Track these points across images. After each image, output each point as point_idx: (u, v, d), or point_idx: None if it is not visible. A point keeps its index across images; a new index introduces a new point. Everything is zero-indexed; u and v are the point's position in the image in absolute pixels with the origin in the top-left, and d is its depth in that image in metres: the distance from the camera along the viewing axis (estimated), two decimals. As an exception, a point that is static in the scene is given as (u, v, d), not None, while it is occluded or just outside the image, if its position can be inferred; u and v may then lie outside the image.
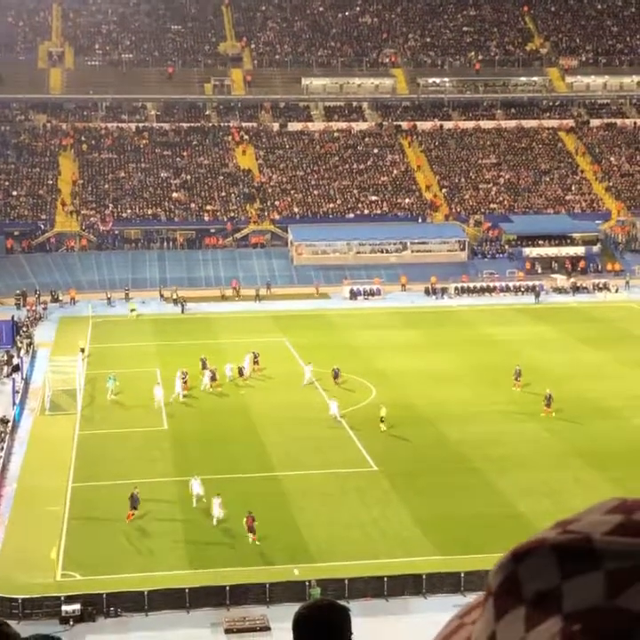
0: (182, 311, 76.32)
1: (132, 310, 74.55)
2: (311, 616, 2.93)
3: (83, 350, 62.61)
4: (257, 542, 36.23)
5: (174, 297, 78.44)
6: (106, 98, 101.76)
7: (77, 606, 32.13)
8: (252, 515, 36.62)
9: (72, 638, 30.69)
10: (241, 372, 56.89)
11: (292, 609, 3.00)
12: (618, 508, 1.41)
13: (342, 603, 3.09)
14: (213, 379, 55.43)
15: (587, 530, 1.39)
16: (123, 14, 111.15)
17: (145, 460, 44.73)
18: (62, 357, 60.73)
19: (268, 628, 31.23)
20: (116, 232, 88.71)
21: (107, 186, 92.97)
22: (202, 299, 79.53)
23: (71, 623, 31.84)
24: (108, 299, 78.64)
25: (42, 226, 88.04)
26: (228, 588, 33.01)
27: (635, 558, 1.35)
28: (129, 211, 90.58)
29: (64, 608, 32.13)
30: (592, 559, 1.36)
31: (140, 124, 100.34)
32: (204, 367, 57.36)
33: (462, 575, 33.32)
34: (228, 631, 31.41)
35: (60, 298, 79.16)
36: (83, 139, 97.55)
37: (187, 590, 32.87)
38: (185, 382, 54.16)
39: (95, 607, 32.47)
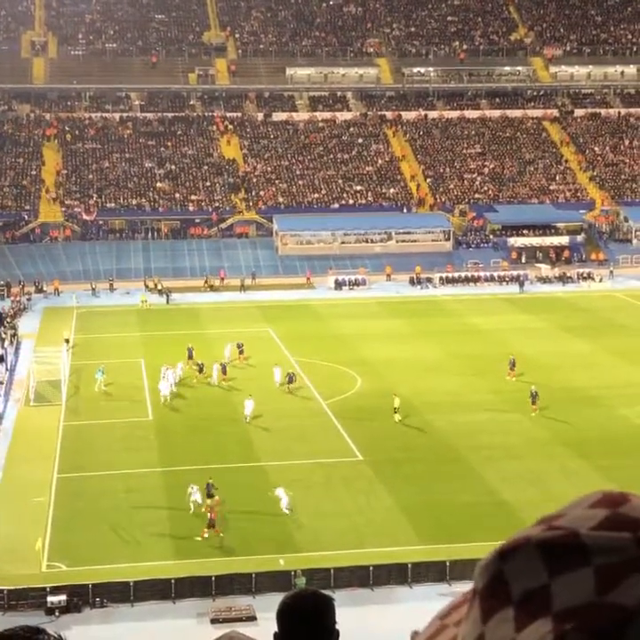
0: (167, 301, 76.23)
1: (144, 301, 74.61)
2: (295, 606, 2.93)
3: (67, 341, 62.46)
4: (200, 538, 35.96)
5: (159, 287, 78.35)
6: (89, 88, 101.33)
7: (63, 597, 32.11)
8: (215, 509, 36.37)
9: (58, 629, 30.59)
10: (201, 369, 55.55)
11: (277, 599, 3.00)
12: (602, 502, 1.38)
13: (327, 592, 3.10)
14: (224, 372, 54.76)
15: (573, 525, 1.35)
16: (106, 3, 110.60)
17: (130, 450, 44.69)
18: (47, 348, 60.61)
19: (254, 618, 31.27)
20: (101, 222, 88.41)
21: (91, 176, 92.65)
22: (187, 289, 79.46)
23: (57, 614, 31.83)
24: (93, 289, 78.45)
25: (26, 216, 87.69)
26: (213, 578, 33.05)
27: (624, 552, 1.32)
28: (113, 201, 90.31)
29: (50, 599, 32.10)
30: (580, 555, 1.32)
31: (124, 114, 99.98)
32: (190, 357, 57.23)
33: (447, 564, 33.42)
34: (213, 621, 31.44)
35: (45, 288, 78.94)
36: (66, 129, 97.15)
37: (172, 581, 32.89)
38: (164, 377, 52.94)
39: (81, 598, 32.46)
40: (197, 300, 76.67)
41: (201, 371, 55.53)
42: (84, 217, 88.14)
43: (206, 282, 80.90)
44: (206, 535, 36.00)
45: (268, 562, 34.13)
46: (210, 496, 37.88)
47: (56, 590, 32.33)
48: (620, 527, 1.34)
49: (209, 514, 36.40)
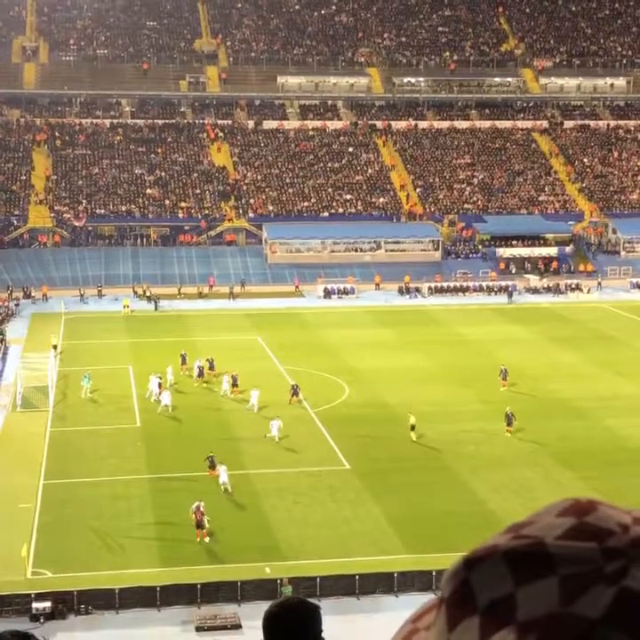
0: (156, 308, 76.09)
1: (126, 306, 74.44)
2: (282, 614, 2.96)
3: (55, 347, 62.33)
4: (206, 539, 36.14)
5: (148, 294, 78.21)
6: (80, 93, 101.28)
7: (48, 604, 32.01)
8: (200, 509, 36.29)
9: (42, 636, 30.52)
10: (201, 373, 55.51)
11: (263, 607, 3.04)
12: (570, 511, 1.38)
13: (313, 601, 3.13)
14: (235, 385, 53.24)
15: (539, 534, 1.35)
16: (98, 10, 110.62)
17: (117, 457, 44.60)
18: (34, 354, 60.46)
19: (239, 626, 31.24)
20: (90, 228, 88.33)
21: (80, 182, 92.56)
22: (176, 296, 79.41)
23: (41, 621, 31.71)
24: (81, 295, 78.30)
25: (15, 221, 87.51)
26: (199, 585, 32.98)
27: (589, 563, 1.31)
28: (103, 207, 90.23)
29: (34, 605, 32.01)
30: (546, 565, 1.32)
31: (115, 120, 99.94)
32: (184, 362, 57.18)
33: (433, 574, 33.42)
34: (198, 629, 31.39)
35: (33, 294, 78.76)
36: (57, 134, 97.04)
37: (158, 588, 32.80)
38: (160, 385, 52.79)
39: (66, 605, 32.35)
40: (186, 308, 76.59)
41: (201, 374, 55.36)
42: (74, 223, 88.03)
43: (179, 290, 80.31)
44: (207, 538, 36.21)
45: (254, 570, 34.09)
46: (212, 467, 41.16)
47: (41, 597, 32.22)
48: (587, 537, 1.34)
49: (194, 515, 36.35)
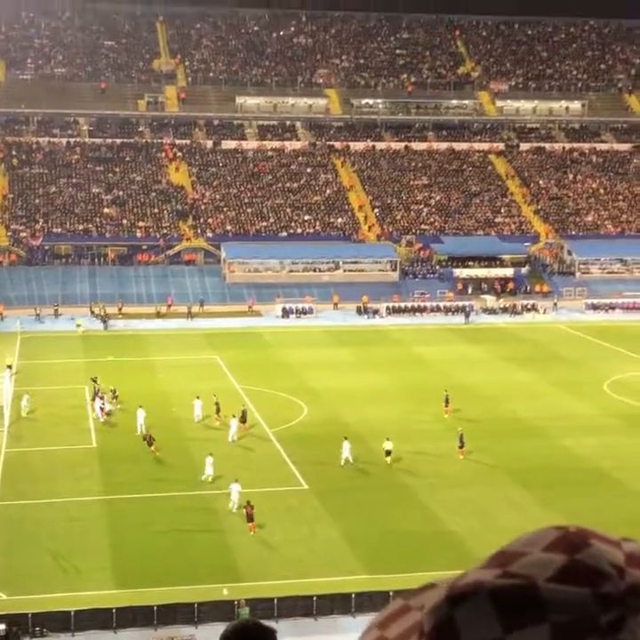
0: (105, 328, 75.37)
1: (78, 325, 73.99)
2: (236, 637, 2.98)
3: (10, 367, 61.74)
4: (253, 532, 37.98)
5: (102, 313, 77.51)
6: (37, 112, 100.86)
7: (2, 626, 31.60)
8: (250, 504, 38.29)
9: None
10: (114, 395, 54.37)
11: (220, 628, 3.07)
12: (560, 545, 1.28)
13: (271, 622, 3.17)
14: (243, 420, 50.31)
15: (529, 573, 1.25)
16: (55, 29, 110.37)
17: (73, 477, 44.22)
18: (-11, 374, 59.82)
19: (196, 648, 31.04)
20: (46, 247, 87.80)
21: (37, 200, 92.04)
22: (134, 315, 79.05)
23: (-5, 644, 31.34)
24: (37, 314, 77.73)
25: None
26: (155, 607, 32.73)
27: (582, 610, 1.22)
28: (60, 226, 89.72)
29: (-12, 629, 31.62)
30: (537, 610, 1.23)
31: (72, 139, 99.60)
32: (116, 396, 54.80)
33: (391, 594, 33.41)
34: (155, 651, 31.15)
35: (-12, 313, 78.04)
36: (13, 153, 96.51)
37: (114, 610, 32.52)
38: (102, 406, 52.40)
39: (20, 627, 31.96)
40: (144, 327, 76.22)
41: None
42: (30, 242, 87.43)
43: (120, 309, 79.23)
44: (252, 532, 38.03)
45: (211, 591, 33.91)
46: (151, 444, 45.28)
47: (-5, 620, 31.84)
48: (579, 579, 1.24)
49: (245, 509, 38.24)
